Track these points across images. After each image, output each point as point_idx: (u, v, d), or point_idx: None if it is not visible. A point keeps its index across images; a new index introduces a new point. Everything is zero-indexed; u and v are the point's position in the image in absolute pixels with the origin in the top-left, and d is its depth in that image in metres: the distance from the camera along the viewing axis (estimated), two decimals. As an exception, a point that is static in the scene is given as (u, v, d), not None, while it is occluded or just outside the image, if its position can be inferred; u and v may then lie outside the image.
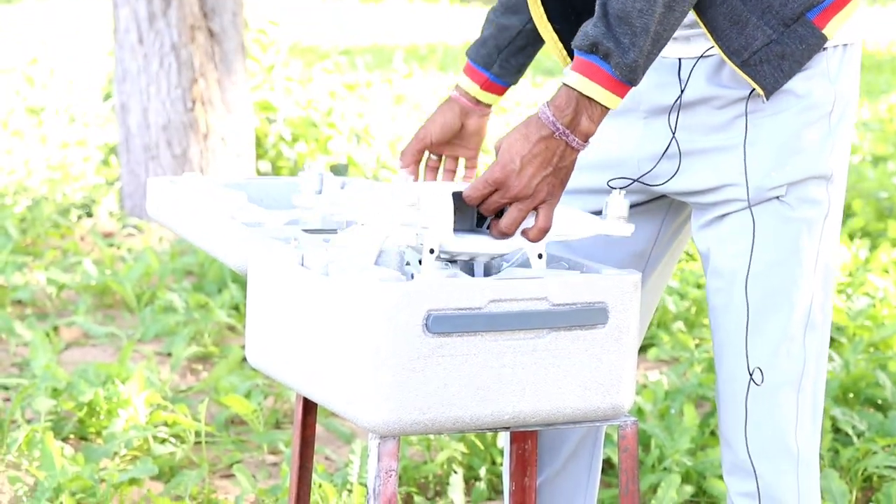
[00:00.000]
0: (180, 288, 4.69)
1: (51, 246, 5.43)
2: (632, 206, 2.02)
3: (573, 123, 1.75)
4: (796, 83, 1.89)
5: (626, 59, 1.72)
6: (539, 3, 1.97)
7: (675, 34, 1.90)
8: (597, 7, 1.74)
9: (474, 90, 2.08)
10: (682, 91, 1.91)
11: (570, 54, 1.98)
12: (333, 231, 2.02)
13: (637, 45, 1.73)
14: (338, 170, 6.42)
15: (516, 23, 2.06)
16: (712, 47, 1.88)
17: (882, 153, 7.46)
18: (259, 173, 6.24)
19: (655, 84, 1.92)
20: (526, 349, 1.71)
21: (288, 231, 1.93)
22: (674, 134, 1.91)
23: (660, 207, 2.04)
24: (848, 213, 5.83)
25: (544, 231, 1.77)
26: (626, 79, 1.74)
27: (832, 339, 4.11)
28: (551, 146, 1.75)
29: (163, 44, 5.66)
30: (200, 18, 5.72)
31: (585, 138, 1.76)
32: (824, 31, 1.86)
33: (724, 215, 1.94)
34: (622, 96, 1.75)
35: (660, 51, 1.76)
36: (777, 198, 1.91)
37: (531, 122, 1.76)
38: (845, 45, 1.91)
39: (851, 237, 5.46)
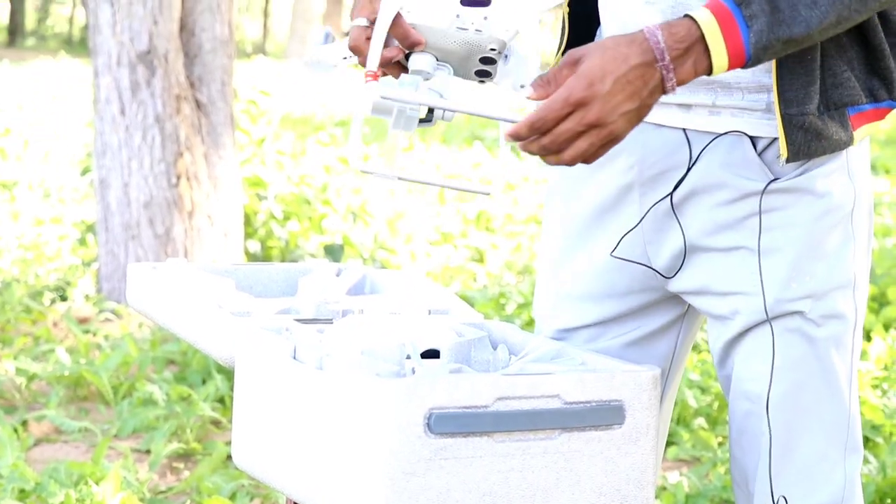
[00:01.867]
0: (161, 379, 4.68)
1: (21, 332, 5.43)
2: (645, 311, 1.95)
3: (679, 61, 1.64)
4: (815, 181, 1.83)
5: (773, 34, 1.63)
6: None
7: (676, 99, 1.84)
8: None
9: None
10: (690, 164, 1.82)
11: None
12: (328, 321, 2.02)
13: (792, 29, 1.64)
14: (332, 251, 6.43)
15: None
16: (730, 132, 1.82)
17: (919, 236, 7.47)
18: (248, 254, 6.25)
19: (661, 155, 1.85)
20: (536, 451, 1.71)
21: (279, 321, 1.93)
22: (673, 205, 1.85)
23: (674, 325, 1.98)
24: (883, 302, 5.82)
25: (547, 151, 1.64)
26: (751, 52, 1.65)
27: (867, 439, 4.09)
28: (647, 76, 1.63)
29: (146, 115, 5.69)
30: (187, 88, 5.76)
31: (678, 85, 1.65)
32: (854, 134, 1.82)
33: (742, 334, 1.87)
34: (729, 68, 1.66)
35: (784, 53, 1.68)
36: (799, 313, 1.84)
37: (634, 42, 1.63)
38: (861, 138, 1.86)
39: (887, 327, 5.45)
